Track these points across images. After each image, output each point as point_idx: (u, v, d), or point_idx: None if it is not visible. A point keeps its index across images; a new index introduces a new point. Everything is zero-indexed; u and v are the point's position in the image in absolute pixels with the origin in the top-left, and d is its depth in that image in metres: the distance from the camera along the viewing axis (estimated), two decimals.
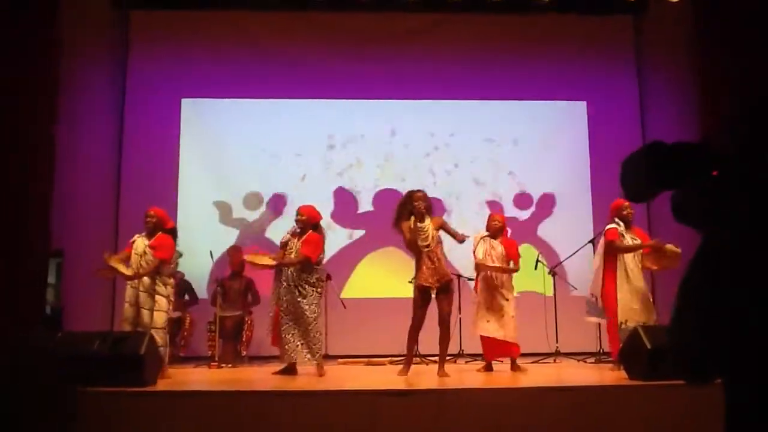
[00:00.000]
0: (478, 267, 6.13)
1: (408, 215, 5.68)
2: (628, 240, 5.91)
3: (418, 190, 5.80)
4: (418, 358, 6.94)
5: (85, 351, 4.60)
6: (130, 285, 5.68)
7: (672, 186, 1.27)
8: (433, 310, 5.74)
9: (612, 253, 5.89)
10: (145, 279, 5.65)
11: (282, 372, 5.84)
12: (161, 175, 8.59)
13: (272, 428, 4.11)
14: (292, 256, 5.85)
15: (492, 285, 6.06)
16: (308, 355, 5.76)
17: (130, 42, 8.88)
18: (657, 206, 8.44)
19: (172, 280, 5.82)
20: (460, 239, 5.70)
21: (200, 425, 4.11)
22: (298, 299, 5.74)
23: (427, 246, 5.61)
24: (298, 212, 6.04)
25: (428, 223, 5.66)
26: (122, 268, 5.64)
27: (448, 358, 7.14)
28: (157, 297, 5.64)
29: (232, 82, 8.82)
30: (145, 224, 5.88)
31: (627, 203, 6.02)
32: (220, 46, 8.81)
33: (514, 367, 6.00)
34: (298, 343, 5.75)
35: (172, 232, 5.91)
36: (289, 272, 5.83)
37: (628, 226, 5.99)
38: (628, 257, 5.86)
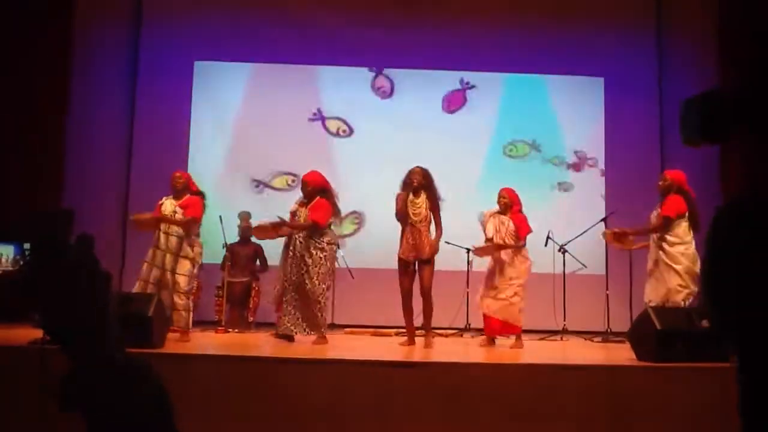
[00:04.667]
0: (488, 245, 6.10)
1: (405, 189, 5.80)
2: None
3: (418, 167, 5.87)
4: (419, 331, 6.93)
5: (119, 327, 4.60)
6: (157, 247, 5.72)
7: (725, 141, 1.24)
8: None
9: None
10: (173, 240, 5.68)
11: (278, 336, 5.86)
12: (173, 138, 8.55)
13: (278, 394, 4.11)
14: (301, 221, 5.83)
15: (496, 263, 6.02)
16: (307, 329, 5.74)
17: (144, 2, 8.78)
18: None
19: (199, 243, 5.87)
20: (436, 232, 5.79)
21: (206, 389, 4.12)
22: (303, 271, 5.70)
23: (416, 221, 5.70)
24: (303, 181, 6.02)
25: (423, 200, 5.75)
26: (148, 216, 5.81)
27: (453, 331, 7.21)
28: (182, 260, 5.67)
29: (246, 45, 8.71)
30: (173, 186, 5.94)
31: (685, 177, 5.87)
32: (236, 8, 8.69)
33: (513, 345, 5.96)
34: (298, 315, 5.73)
35: (201, 195, 6.00)
36: (298, 242, 5.78)
37: None
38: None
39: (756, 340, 1.17)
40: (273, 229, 5.91)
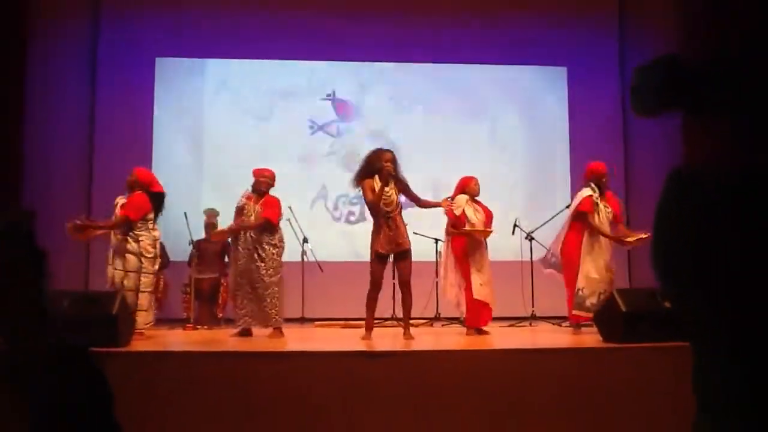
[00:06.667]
0: (464, 229, 6.03)
1: (372, 174, 5.46)
2: (601, 208, 5.84)
3: (388, 150, 5.58)
4: (393, 321, 6.94)
5: (55, 310, 4.49)
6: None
7: (688, 108, 1.19)
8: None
9: (581, 219, 5.83)
10: (113, 238, 5.53)
11: (239, 335, 5.79)
12: (135, 136, 8.43)
13: (250, 388, 4.08)
14: (252, 219, 5.78)
15: (481, 248, 6.03)
16: (264, 322, 5.72)
17: None
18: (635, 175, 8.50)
19: (149, 234, 5.53)
20: (423, 204, 5.71)
21: (175, 385, 4.06)
22: (256, 263, 5.68)
23: (390, 212, 5.42)
24: (260, 174, 5.95)
25: (392, 188, 5.46)
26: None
27: (424, 321, 7.21)
28: (127, 255, 5.47)
29: (207, 41, 8.62)
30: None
31: (604, 170, 5.95)
32: (196, 4, 8.58)
33: (481, 331, 5.99)
34: (253, 307, 5.69)
35: (154, 196, 5.67)
36: (248, 236, 5.76)
37: (602, 193, 5.90)
38: (603, 228, 5.84)
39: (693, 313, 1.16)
40: (229, 231, 5.96)
